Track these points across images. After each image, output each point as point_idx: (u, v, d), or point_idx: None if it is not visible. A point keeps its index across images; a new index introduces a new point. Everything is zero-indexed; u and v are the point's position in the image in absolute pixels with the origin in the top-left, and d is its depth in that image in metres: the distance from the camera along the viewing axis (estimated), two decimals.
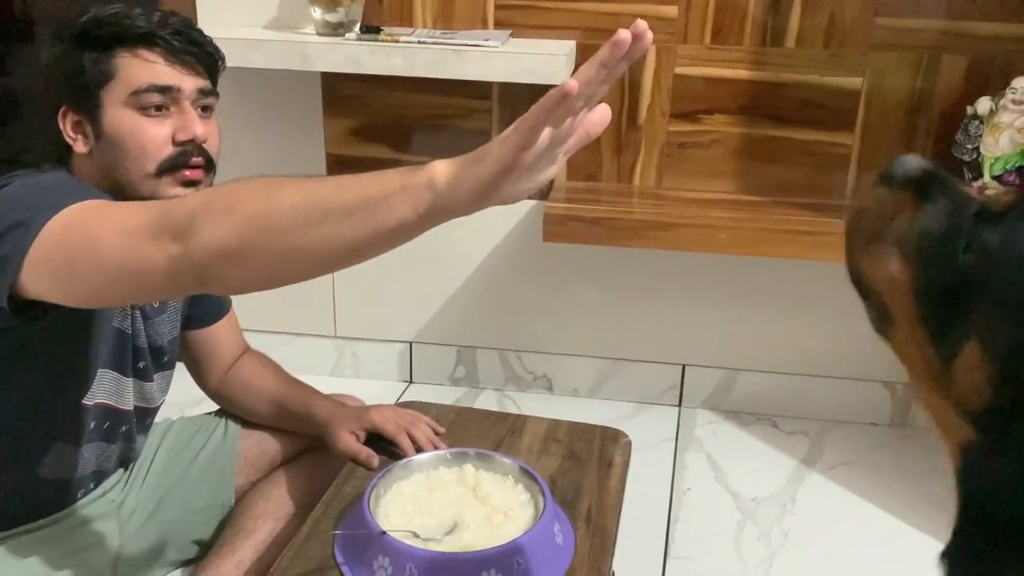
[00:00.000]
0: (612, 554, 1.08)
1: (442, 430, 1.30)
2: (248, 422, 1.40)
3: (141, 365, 1.21)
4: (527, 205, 1.93)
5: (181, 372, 1.38)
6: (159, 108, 1.07)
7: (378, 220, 0.71)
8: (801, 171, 1.84)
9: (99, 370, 1.12)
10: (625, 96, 1.84)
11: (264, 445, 1.38)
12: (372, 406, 1.34)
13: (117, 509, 1.26)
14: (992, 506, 0.49)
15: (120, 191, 1.05)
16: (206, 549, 1.34)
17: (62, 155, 1.10)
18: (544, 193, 1.89)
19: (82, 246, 0.85)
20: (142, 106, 1.06)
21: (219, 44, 1.15)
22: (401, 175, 0.72)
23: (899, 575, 1.48)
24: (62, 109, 1.08)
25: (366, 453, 1.24)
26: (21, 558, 1.13)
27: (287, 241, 0.73)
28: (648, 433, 1.88)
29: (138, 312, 1.18)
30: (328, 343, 2.13)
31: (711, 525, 1.63)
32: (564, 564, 1.03)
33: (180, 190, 1.06)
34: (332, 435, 1.28)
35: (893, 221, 0.56)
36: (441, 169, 0.70)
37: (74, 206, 0.88)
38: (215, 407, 1.44)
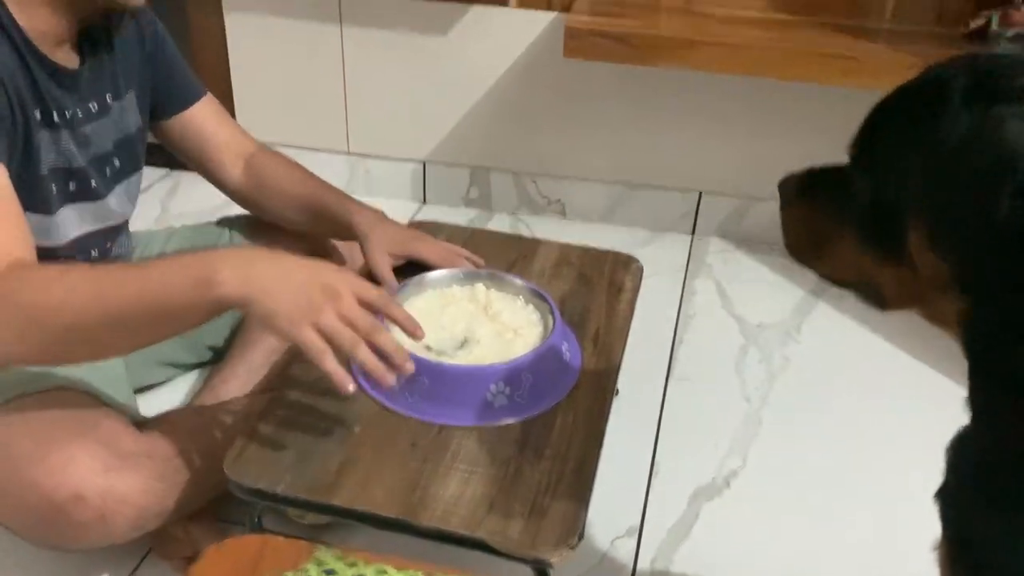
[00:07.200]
0: (617, 373, 1.11)
1: (482, 263, 1.25)
2: (251, 233, 1.38)
3: (92, 184, 1.12)
4: (548, 17, 1.84)
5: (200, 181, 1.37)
6: None
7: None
8: None
9: (61, 209, 1.08)
10: None
11: None
12: (420, 237, 1.26)
13: None
14: (995, 359, 0.57)
15: None
16: (220, 355, 1.39)
17: None
18: (566, 5, 1.79)
19: None
20: None
21: None
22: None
23: (899, 403, 1.53)
24: None
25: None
26: None
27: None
28: (660, 260, 1.89)
29: (65, 133, 1.05)
30: (341, 159, 2.10)
31: (714, 348, 1.66)
32: (570, 381, 1.06)
33: None
34: (370, 250, 1.21)
35: (815, 228, 0.68)
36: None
37: None
38: (214, 218, 1.42)
